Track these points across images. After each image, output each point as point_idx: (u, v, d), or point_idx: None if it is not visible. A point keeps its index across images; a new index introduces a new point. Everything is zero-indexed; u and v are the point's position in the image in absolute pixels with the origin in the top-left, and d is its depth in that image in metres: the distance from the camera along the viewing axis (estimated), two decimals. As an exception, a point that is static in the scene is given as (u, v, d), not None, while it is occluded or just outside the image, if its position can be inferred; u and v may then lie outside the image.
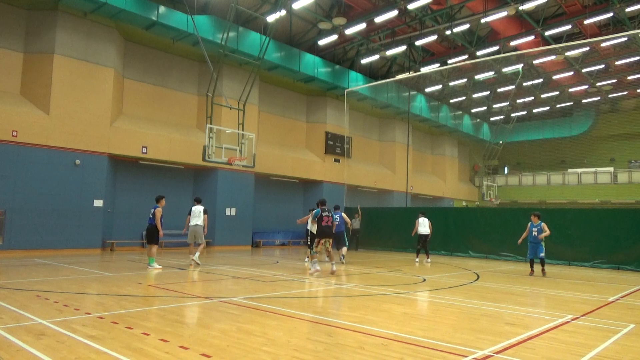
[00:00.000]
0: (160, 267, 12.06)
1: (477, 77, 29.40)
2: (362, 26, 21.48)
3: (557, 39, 23.16)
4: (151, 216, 12.20)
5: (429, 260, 16.18)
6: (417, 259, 16.34)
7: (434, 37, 23.46)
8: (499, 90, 32.86)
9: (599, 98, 34.40)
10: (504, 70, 27.82)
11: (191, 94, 21.26)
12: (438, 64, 26.51)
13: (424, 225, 16.20)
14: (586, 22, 20.94)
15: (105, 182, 17.39)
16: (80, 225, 16.51)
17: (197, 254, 12.93)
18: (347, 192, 22.39)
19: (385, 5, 20.43)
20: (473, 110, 36.71)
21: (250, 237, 22.39)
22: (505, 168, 42.02)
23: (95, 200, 16.94)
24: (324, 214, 11.77)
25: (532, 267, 12.74)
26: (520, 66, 27.66)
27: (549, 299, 8.63)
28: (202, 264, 13.12)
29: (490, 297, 8.67)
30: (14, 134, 15.25)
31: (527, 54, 24.18)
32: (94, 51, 17.03)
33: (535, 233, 12.42)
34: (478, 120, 38.01)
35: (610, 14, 20.26)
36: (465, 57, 25.06)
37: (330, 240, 12.03)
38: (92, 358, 4.29)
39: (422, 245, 16.22)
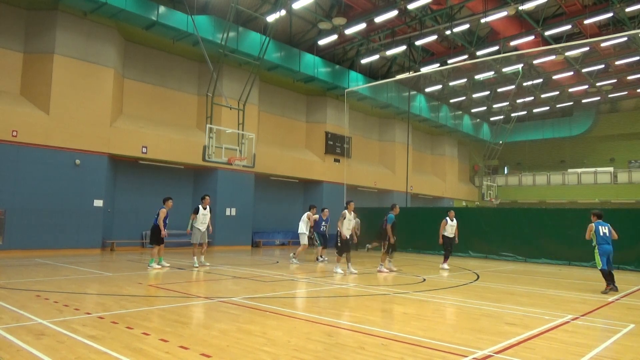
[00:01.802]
0: (160, 267, 12.01)
1: (477, 77, 29.41)
2: (362, 26, 21.48)
3: (557, 39, 23.16)
4: (156, 216, 12.17)
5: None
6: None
7: (434, 37, 23.46)
8: (499, 90, 32.86)
9: (599, 98, 34.41)
10: (504, 70, 27.82)
11: (191, 94, 21.27)
12: (438, 64, 26.51)
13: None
14: (586, 22, 20.94)
15: (105, 182, 17.39)
16: (80, 225, 16.51)
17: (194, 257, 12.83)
18: (347, 192, 22.35)
19: (385, 5, 20.43)
20: (473, 110, 36.71)
21: (250, 237, 22.39)
22: (505, 168, 42.02)
23: (95, 200, 16.94)
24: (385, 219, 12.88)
25: (605, 279, 9.99)
26: (520, 66, 27.67)
27: (549, 299, 8.63)
28: (200, 263, 12.84)
29: (490, 297, 8.68)
30: (14, 134, 15.25)
31: (527, 54, 24.18)
32: (94, 51, 17.03)
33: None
34: (478, 120, 38.02)
35: (610, 14, 20.25)
36: (465, 57, 25.05)
37: (381, 242, 12.91)
38: (92, 358, 4.29)
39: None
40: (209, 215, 12.78)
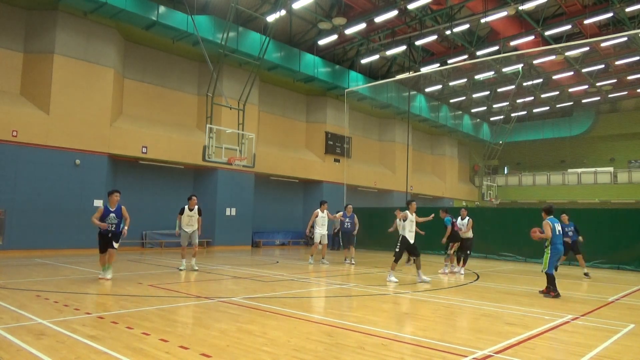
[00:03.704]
0: (109, 277, 9.54)
1: (477, 77, 29.41)
2: (362, 26, 21.48)
3: (557, 39, 23.16)
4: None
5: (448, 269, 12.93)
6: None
7: (434, 37, 23.46)
8: (499, 90, 32.87)
9: (598, 98, 34.42)
10: (504, 70, 27.82)
11: (191, 94, 21.27)
12: (438, 64, 26.51)
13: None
14: (586, 22, 20.94)
15: (105, 182, 17.38)
16: (80, 225, 16.48)
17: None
18: (347, 192, 22.36)
19: (385, 5, 20.43)
20: (473, 110, 36.71)
21: (250, 237, 22.40)
22: (505, 168, 42.04)
23: (95, 200, 16.92)
24: (454, 219, 12.64)
25: (550, 283, 8.96)
26: (520, 66, 27.67)
27: (548, 299, 8.62)
28: (190, 267, 11.93)
29: (490, 297, 8.68)
30: (14, 134, 15.25)
31: (527, 54, 24.18)
32: (94, 51, 17.03)
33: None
34: (478, 120, 38.03)
35: (610, 14, 20.24)
36: (465, 57, 25.05)
37: (456, 244, 12.57)
38: (92, 358, 4.29)
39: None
40: (196, 216, 11.77)
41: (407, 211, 10.67)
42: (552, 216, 9.04)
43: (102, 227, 9.39)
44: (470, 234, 12.74)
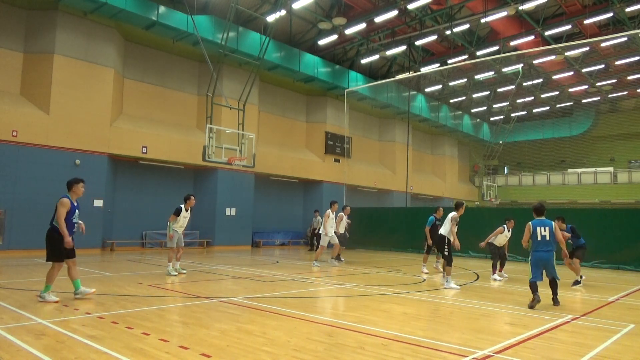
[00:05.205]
0: (57, 299, 7.05)
1: (477, 77, 29.41)
2: (362, 26, 21.49)
3: (557, 39, 23.16)
4: (55, 211, 7.67)
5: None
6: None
7: (434, 37, 23.47)
8: (499, 90, 32.88)
9: (598, 98, 34.43)
10: (504, 70, 27.82)
11: (191, 94, 21.27)
12: (438, 64, 26.51)
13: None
14: (586, 22, 20.95)
15: (105, 182, 17.38)
16: (80, 225, 16.49)
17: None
18: (347, 192, 22.37)
19: (385, 5, 20.43)
20: (473, 110, 36.73)
21: (250, 237, 22.39)
22: (505, 168, 42.04)
23: (95, 200, 16.92)
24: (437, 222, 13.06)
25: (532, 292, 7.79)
26: (520, 66, 27.67)
27: (549, 299, 8.62)
28: (176, 271, 10.92)
29: (490, 297, 8.68)
30: (14, 134, 15.25)
31: (527, 54, 24.18)
32: (94, 51, 17.03)
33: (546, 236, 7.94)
34: (478, 120, 38.03)
35: (610, 14, 20.26)
36: (465, 57, 25.06)
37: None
38: (92, 358, 4.29)
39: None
40: (188, 217, 11.08)
41: (455, 213, 10.03)
42: (542, 217, 8.08)
43: (68, 243, 7.36)
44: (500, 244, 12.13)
